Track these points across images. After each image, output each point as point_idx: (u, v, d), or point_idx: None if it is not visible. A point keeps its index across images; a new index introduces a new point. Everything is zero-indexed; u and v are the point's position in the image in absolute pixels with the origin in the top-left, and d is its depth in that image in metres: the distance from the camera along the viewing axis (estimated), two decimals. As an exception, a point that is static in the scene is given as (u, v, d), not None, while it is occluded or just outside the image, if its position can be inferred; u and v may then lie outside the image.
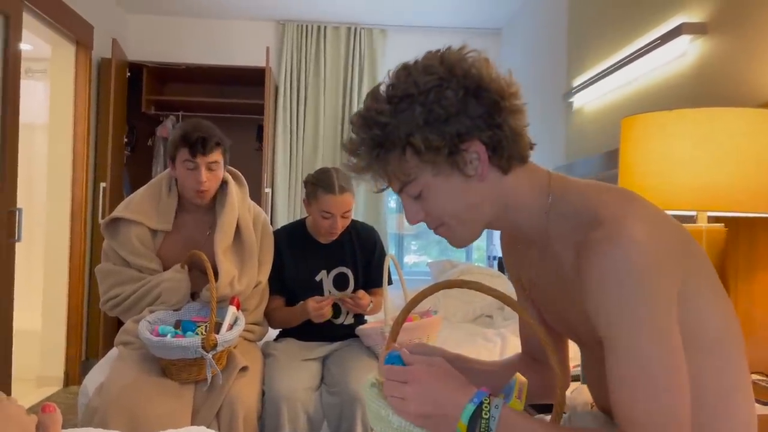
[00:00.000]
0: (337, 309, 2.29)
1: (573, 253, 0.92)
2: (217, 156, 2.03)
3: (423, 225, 1.04)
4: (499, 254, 4.50)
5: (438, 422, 0.87)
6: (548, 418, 1.15)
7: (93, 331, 4.01)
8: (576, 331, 1.02)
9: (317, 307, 2.12)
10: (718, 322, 0.91)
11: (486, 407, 0.85)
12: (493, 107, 0.93)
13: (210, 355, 1.79)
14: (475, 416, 0.85)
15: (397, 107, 0.92)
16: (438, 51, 0.96)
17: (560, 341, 1.17)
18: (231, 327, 1.91)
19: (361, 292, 2.22)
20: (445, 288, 0.99)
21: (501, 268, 4.21)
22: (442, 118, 0.91)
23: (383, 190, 1.03)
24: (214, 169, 2.04)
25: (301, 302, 2.18)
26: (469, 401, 0.86)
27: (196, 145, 1.98)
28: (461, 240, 1.02)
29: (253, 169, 4.09)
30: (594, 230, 0.87)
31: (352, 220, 2.39)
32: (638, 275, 0.83)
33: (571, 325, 1.02)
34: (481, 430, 0.84)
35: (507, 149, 0.94)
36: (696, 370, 0.88)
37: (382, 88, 0.96)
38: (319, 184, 2.17)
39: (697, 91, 2.23)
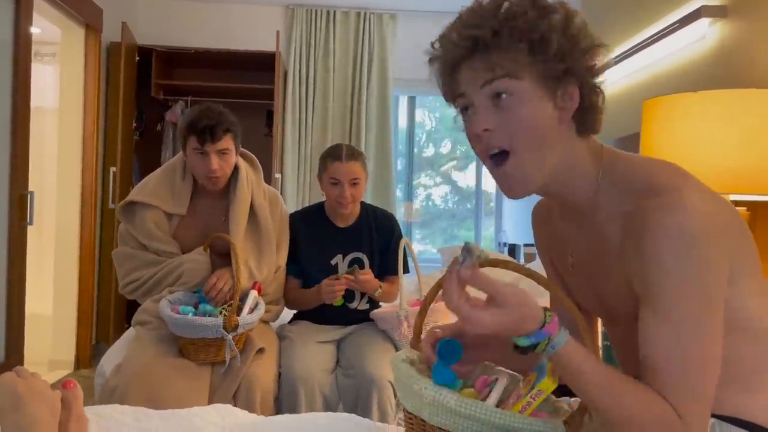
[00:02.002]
0: (349, 294, 2.28)
1: (618, 223, 0.93)
2: (227, 143, 2.00)
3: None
4: (510, 241, 4.49)
5: (505, 331, 0.85)
6: (572, 400, 1.15)
7: (103, 314, 4.02)
8: (609, 306, 1.02)
9: (329, 283, 2.13)
10: (757, 302, 0.92)
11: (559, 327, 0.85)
12: (603, 69, 0.96)
13: (230, 336, 1.79)
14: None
15: (541, 7, 0.92)
16: None
17: (590, 322, 1.17)
18: (252, 310, 1.92)
19: (366, 270, 2.21)
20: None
21: (512, 254, 4.20)
22: (575, 40, 0.92)
23: (448, 86, 0.99)
24: (225, 155, 2.01)
25: (317, 286, 2.19)
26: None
27: (204, 133, 1.94)
28: (526, 179, 0.95)
29: (262, 155, 4.03)
30: (649, 198, 0.88)
31: (372, 206, 2.40)
32: (694, 243, 0.83)
33: (605, 300, 1.02)
34: (545, 344, 0.84)
35: (592, 110, 0.96)
36: (731, 347, 0.89)
37: None
38: (328, 154, 2.23)
39: (717, 75, 2.21)
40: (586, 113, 0.96)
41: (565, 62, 0.92)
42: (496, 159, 0.95)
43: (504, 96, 0.92)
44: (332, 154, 2.20)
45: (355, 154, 2.20)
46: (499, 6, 0.93)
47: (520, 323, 0.84)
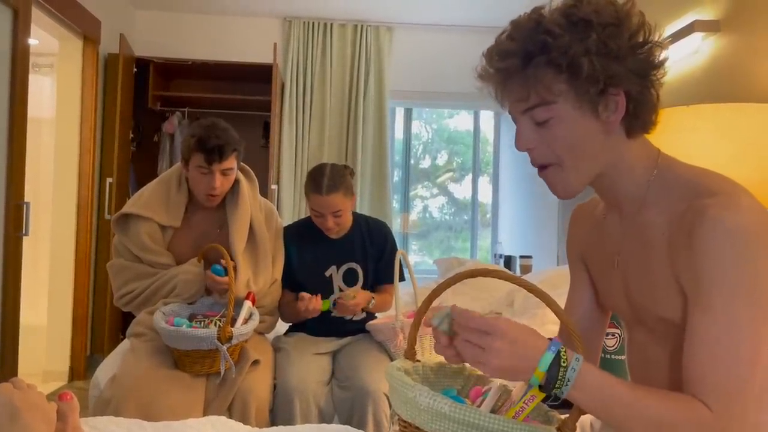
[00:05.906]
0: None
1: (666, 219, 0.94)
2: (231, 162, 2.00)
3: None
4: (506, 252, 4.49)
5: (516, 373, 0.87)
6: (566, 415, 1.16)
7: (98, 326, 4.01)
8: (638, 306, 1.02)
9: (302, 305, 2.11)
10: None
11: (564, 356, 0.84)
12: (651, 67, 0.95)
13: (225, 348, 1.79)
14: (553, 365, 0.84)
15: (574, 26, 0.92)
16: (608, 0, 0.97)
17: (601, 329, 1.20)
18: (246, 321, 1.91)
19: (351, 292, 2.18)
20: (470, 277, 0.99)
21: (508, 266, 4.21)
22: (612, 54, 0.91)
23: (501, 104, 1.01)
24: (227, 174, 2.02)
25: (298, 302, 2.16)
26: (546, 350, 0.85)
27: (212, 153, 1.94)
28: (567, 186, 1.00)
29: (259, 166, 4.07)
30: (704, 197, 0.89)
31: (364, 216, 2.39)
32: (752, 242, 0.84)
33: (635, 299, 1.02)
34: (559, 378, 0.84)
35: (642, 112, 0.96)
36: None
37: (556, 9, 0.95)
38: (310, 181, 2.16)
39: (710, 89, 2.23)
40: (635, 117, 0.96)
41: (600, 81, 0.92)
42: (543, 169, 1.01)
43: (546, 118, 0.96)
44: (313, 185, 2.13)
45: (336, 184, 2.12)
46: (531, 31, 0.93)
47: (526, 339, 0.86)
